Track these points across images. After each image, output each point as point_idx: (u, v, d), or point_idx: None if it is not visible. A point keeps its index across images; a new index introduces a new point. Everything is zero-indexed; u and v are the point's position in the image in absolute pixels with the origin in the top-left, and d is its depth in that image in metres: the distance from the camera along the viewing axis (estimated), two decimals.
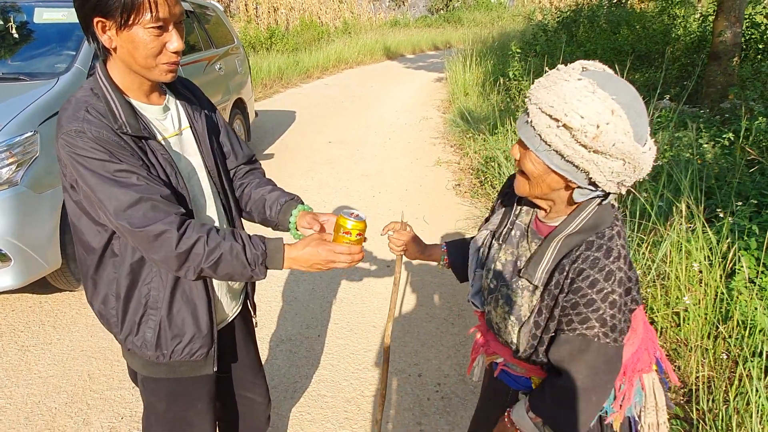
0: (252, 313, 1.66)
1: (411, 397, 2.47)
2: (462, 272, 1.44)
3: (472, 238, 1.37)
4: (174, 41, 1.15)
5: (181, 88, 1.40)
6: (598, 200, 1.08)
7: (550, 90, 0.97)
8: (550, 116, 0.96)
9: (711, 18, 7.69)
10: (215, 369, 1.40)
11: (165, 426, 1.45)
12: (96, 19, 1.10)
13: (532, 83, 1.04)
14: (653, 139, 1.10)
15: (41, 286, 3.21)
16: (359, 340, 2.90)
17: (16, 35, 3.73)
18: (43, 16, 3.82)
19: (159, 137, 1.24)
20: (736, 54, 6.77)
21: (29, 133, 2.83)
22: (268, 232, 1.40)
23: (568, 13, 11.47)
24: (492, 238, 1.28)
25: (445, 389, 2.53)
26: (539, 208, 1.18)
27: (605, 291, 1.02)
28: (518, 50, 7.56)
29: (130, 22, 1.09)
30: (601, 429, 1.22)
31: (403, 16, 24.27)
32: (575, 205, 1.09)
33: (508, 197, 1.29)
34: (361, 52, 15.18)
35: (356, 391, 2.52)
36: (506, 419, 1.24)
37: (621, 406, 1.18)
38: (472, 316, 3.08)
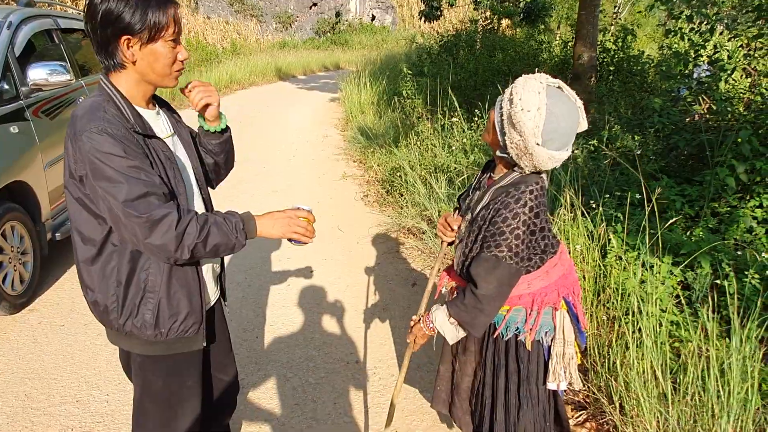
0: (224, 299, 1.85)
1: (353, 381, 2.74)
2: None
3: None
4: (184, 52, 1.42)
5: (161, 101, 1.61)
6: (524, 170, 1.51)
7: (523, 80, 1.43)
8: (510, 93, 1.44)
9: (571, 44, 8.82)
10: (204, 344, 1.59)
11: (160, 405, 1.60)
12: (124, 38, 1.31)
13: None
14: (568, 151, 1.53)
15: None
16: (296, 337, 3.12)
17: None
18: None
19: (161, 136, 1.45)
20: (592, 74, 7.86)
21: None
22: None
23: (449, 37, 12.43)
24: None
25: (380, 372, 2.83)
26: (494, 169, 1.66)
27: (512, 226, 1.47)
28: (409, 72, 8.16)
29: (155, 38, 1.33)
30: (516, 345, 1.62)
31: (291, 38, 24.53)
32: (509, 169, 1.56)
33: (481, 173, 1.75)
34: (253, 73, 15.20)
35: (301, 380, 2.74)
36: (424, 319, 1.70)
37: (531, 329, 1.59)
38: (398, 309, 3.42)
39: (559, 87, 1.46)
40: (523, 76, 1.46)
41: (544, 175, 1.57)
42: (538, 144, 1.40)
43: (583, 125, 1.48)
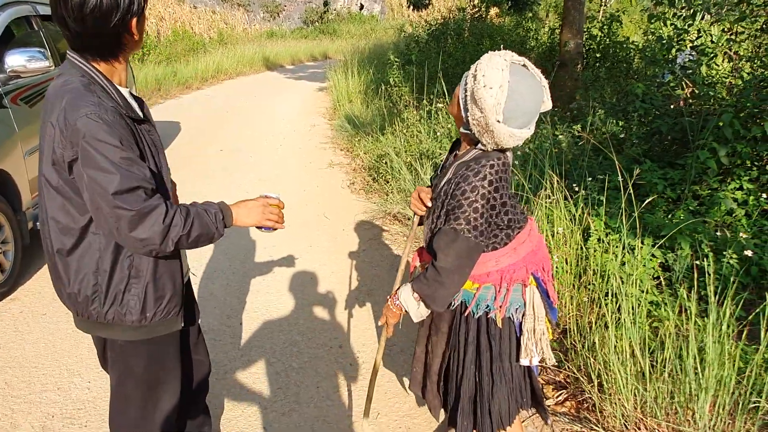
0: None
1: (336, 366, 2.75)
2: None
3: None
4: None
5: None
6: (486, 147, 1.52)
7: (488, 56, 1.42)
8: (474, 69, 1.43)
9: (558, 31, 8.81)
10: (182, 324, 1.58)
11: (142, 388, 1.59)
12: (134, 21, 1.31)
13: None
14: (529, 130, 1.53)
15: None
16: (280, 322, 3.12)
17: None
18: None
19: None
20: (578, 62, 7.86)
21: None
22: None
23: (437, 26, 12.37)
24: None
25: (364, 356, 2.84)
26: (459, 147, 1.66)
27: (470, 199, 1.47)
28: (396, 60, 8.12)
29: (144, 10, 1.34)
30: (487, 322, 1.63)
31: (278, 28, 24.31)
32: (473, 146, 1.57)
33: (449, 152, 1.75)
34: (240, 63, 15.07)
35: (284, 365, 2.74)
36: (392, 298, 1.69)
37: (501, 306, 1.60)
38: (383, 294, 3.42)
39: (524, 65, 1.45)
40: (489, 52, 1.45)
41: (508, 152, 1.57)
42: (498, 121, 1.41)
43: (548, 104, 1.48)
